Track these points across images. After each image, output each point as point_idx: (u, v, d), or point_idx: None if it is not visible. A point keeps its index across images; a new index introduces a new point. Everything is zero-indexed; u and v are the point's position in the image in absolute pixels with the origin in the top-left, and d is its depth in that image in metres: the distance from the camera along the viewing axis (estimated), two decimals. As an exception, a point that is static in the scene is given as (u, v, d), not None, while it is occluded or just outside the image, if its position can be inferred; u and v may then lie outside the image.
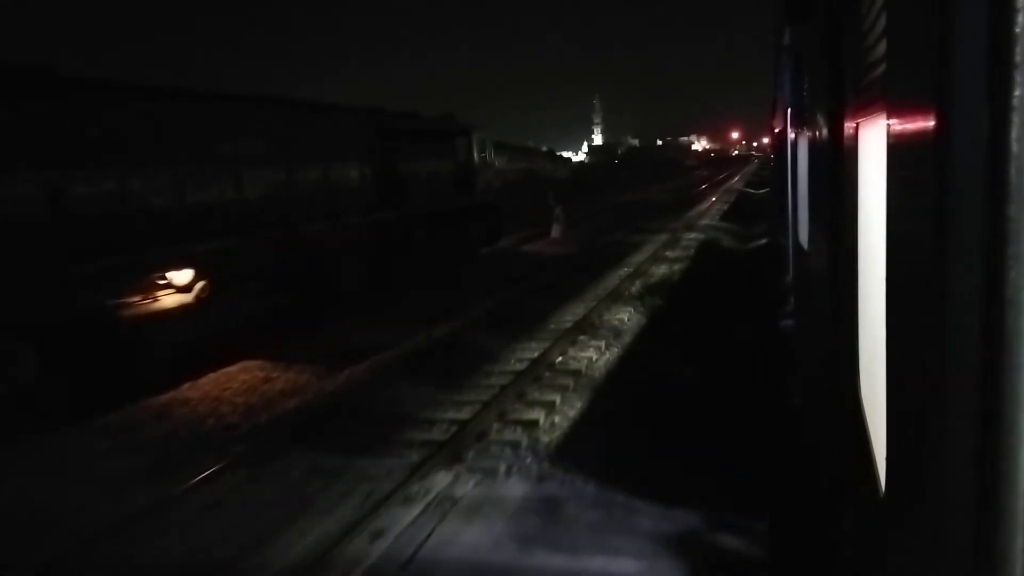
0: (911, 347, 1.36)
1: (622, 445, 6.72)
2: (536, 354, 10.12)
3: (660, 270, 17.19)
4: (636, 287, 14.99)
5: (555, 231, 25.07)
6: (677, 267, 17.57)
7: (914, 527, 1.34)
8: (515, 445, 6.99)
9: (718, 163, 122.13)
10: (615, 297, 14.03)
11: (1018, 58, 0.89)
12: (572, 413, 7.95)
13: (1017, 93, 0.90)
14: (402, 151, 15.98)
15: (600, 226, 28.41)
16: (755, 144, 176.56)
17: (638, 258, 19.18)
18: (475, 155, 19.63)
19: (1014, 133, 0.90)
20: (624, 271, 17.17)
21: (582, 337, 11.17)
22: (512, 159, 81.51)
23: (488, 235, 20.55)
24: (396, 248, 15.70)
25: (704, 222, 28.22)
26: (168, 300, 10.89)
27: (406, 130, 16.43)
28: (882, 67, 1.72)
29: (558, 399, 8.37)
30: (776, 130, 14.66)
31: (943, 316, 1.06)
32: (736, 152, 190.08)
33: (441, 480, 6.20)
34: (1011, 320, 0.92)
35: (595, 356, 10.25)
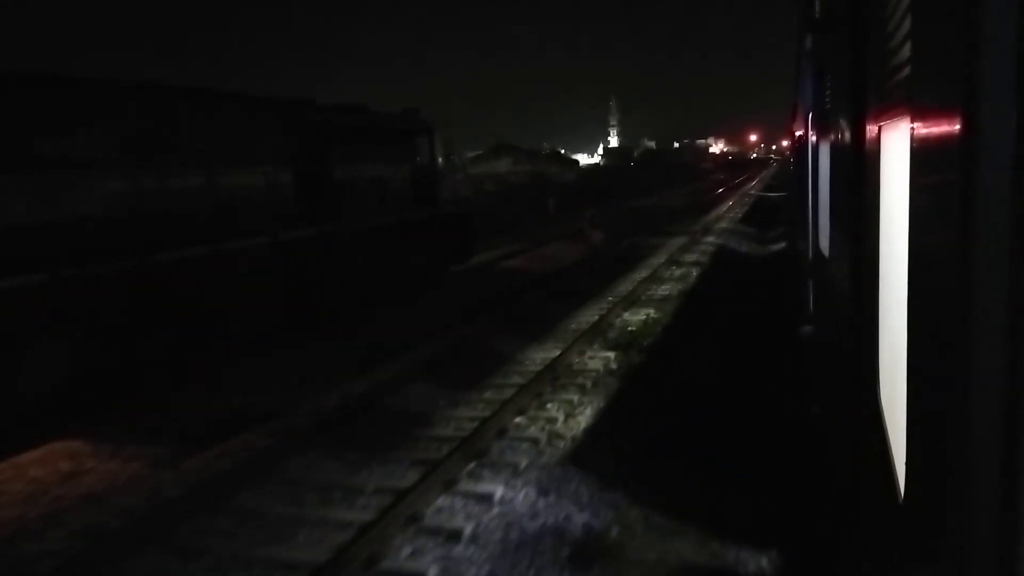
0: (934, 354, 1.35)
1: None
2: (477, 424, 6.93)
3: (664, 299, 13.59)
4: (621, 337, 10.69)
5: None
6: (682, 287, 14.72)
7: (935, 533, 1.33)
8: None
9: (735, 167, 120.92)
10: (596, 339, 10.46)
11: (1047, 62, 0.89)
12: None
13: (1046, 97, 0.89)
14: (340, 153, 12.89)
15: (608, 233, 25.11)
16: (773, 147, 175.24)
17: (640, 283, 14.89)
18: (440, 158, 18.04)
19: (1042, 137, 0.90)
20: (616, 297, 13.48)
21: (549, 405, 7.69)
22: (516, 161, 78.94)
23: (458, 251, 16.99)
24: (322, 274, 12.20)
25: (722, 225, 27.61)
26: None
27: (346, 128, 13.33)
28: (906, 71, 1.71)
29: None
30: (796, 134, 14.55)
31: (967, 323, 1.05)
32: (754, 155, 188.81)
33: None
34: (1037, 326, 0.92)
35: (562, 420, 7.21)
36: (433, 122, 16.83)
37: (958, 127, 1.09)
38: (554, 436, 6.81)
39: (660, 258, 18.91)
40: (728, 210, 35.93)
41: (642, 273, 16.52)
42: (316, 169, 12.24)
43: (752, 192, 50.40)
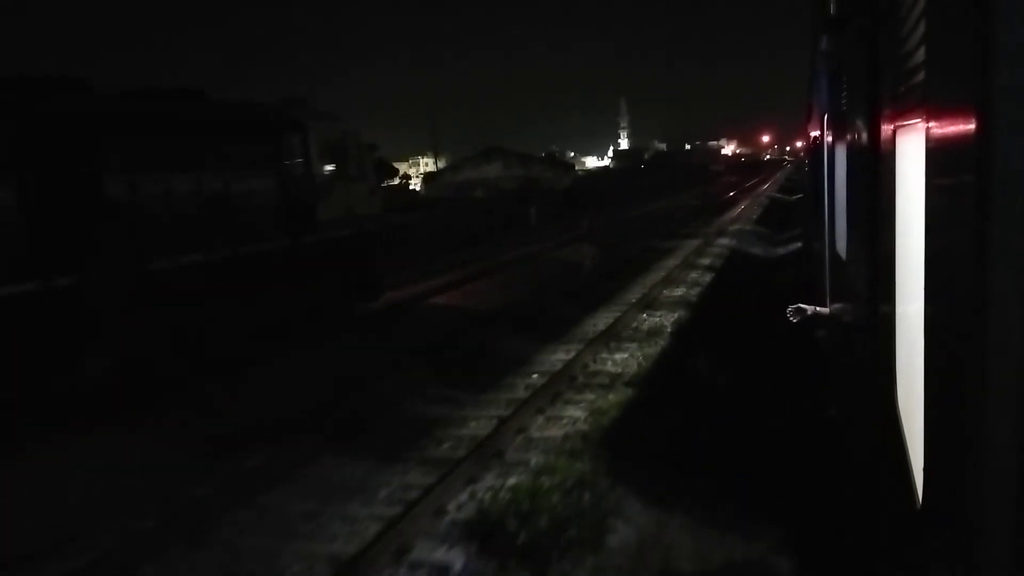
0: (952, 357, 1.34)
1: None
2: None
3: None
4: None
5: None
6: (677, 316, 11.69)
7: (953, 538, 1.32)
8: None
9: (748, 168, 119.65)
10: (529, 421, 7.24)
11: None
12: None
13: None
14: (121, 158, 8.85)
15: (597, 247, 19.88)
16: (787, 148, 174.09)
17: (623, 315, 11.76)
18: (322, 164, 11.74)
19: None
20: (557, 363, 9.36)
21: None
22: (508, 165, 73.61)
23: (359, 286, 12.67)
24: (69, 344, 8.09)
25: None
26: None
27: (130, 119, 9.25)
28: (921, 73, 1.70)
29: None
30: (811, 135, 14.49)
31: (985, 326, 1.05)
32: (767, 156, 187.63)
33: None
34: (1055, 328, 0.91)
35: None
36: (315, 116, 12.14)
37: (973, 128, 1.08)
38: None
39: (638, 290, 14.49)
40: (738, 216, 32.90)
41: (632, 294, 13.75)
42: (66, 185, 8.18)
43: (765, 195, 48.94)
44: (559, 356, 9.68)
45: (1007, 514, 0.98)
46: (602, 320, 11.85)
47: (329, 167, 12.16)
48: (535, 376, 8.78)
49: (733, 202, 42.81)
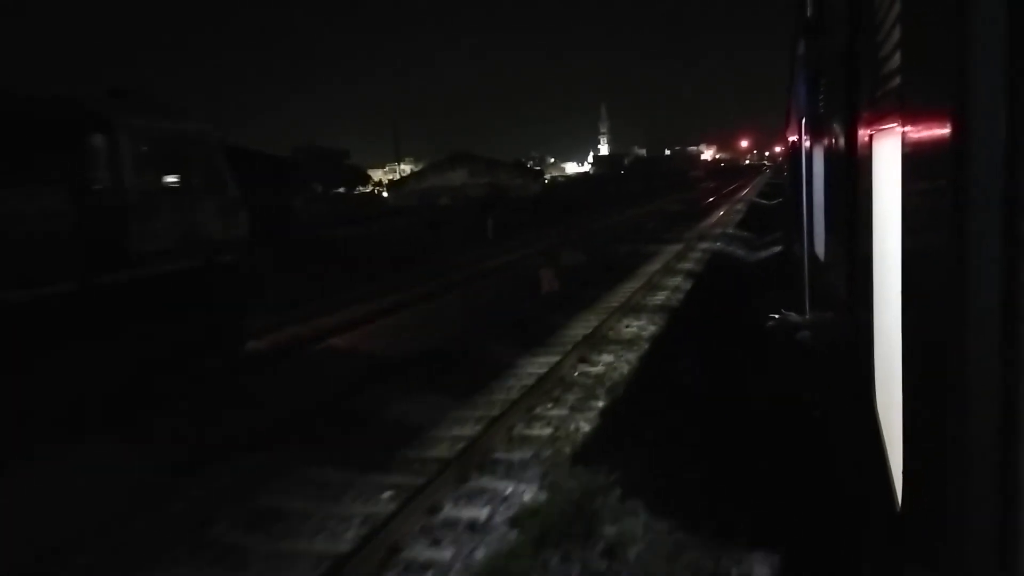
0: (929, 359, 1.35)
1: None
2: None
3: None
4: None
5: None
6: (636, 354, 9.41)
7: (933, 540, 1.32)
8: None
9: (728, 173, 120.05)
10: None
11: (1036, 68, 0.89)
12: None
13: (1035, 103, 0.89)
14: None
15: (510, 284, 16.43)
16: (767, 153, 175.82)
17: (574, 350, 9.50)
18: (143, 174, 8.72)
19: (1033, 142, 0.90)
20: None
21: None
22: (473, 172, 69.72)
23: (206, 337, 9.55)
24: None
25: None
26: None
27: None
28: (898, 78, 1.72)
29: None
30: (790, 140, 14.63)
31: (962, 328, 1.05)
32: (747, 161, 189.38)
33: None
34: (1031, 331, 0.92)
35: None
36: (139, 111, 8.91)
37: (949, 131, 1.09)
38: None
39: (594, 318, 11.89)
40: (717, 223, 31.43)
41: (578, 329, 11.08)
42: None
43: (748, 198, 49.00)
44: (470, 427, 7.07)
45: (985, 516, 0.98)
46: (541, 364, 9.23)
47: (160, 178, 9.13)
48: (436, 452, 6.54)
49: (714, 207, 42.14)
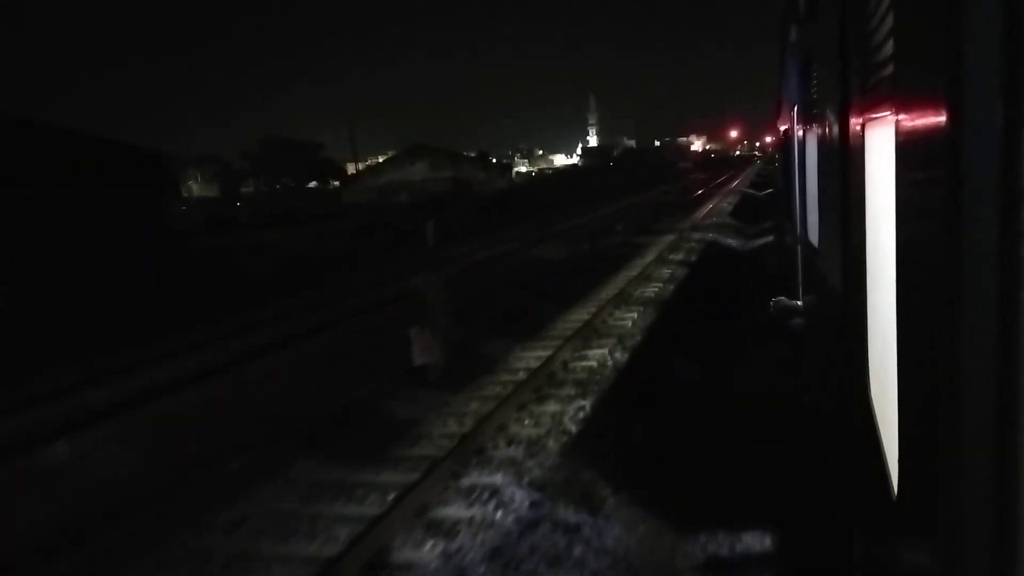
0: (924, 347, 1.35)
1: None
2: None
3: None
4: None
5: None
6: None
7: (928, 528, 1.32)
8: None
9: (718, 164, 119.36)
10: None
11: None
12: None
13: (1031, 88, 0.88)
14: None
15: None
16: (757, 144, 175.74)
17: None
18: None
19: (1028, 129, 0.89)
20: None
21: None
22: (434, 166, 62.48)
23: None
24: None
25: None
26: None
27: None
28: (891, 65, 1.71)
29: None
30: (781, 129, 14.62)
31: (957, 317, 1.05)
32: (737, 152, 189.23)
33: None
34: (1027, 319, 0.91)
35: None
36: None
37: (942, 120, 1.08)
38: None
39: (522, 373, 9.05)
40: (706, 215, 30.32)
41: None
42: None
43: (736, 191, 48.71)
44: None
45: (981, 506, 0.98)
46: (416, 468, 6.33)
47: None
48: None
49: (698, 203, 39.75)
